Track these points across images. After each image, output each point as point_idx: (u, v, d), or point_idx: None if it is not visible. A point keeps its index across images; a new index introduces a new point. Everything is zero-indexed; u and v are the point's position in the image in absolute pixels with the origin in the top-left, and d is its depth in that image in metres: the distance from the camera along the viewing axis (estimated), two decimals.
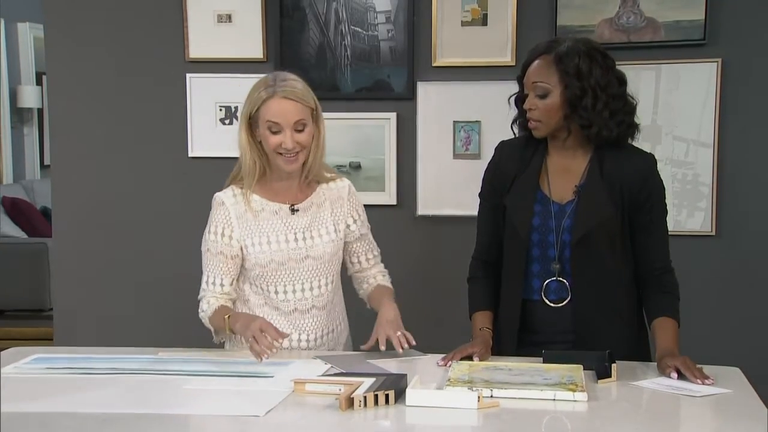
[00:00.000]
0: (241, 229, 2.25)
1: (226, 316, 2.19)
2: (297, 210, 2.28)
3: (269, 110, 2.18)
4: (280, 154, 2.20)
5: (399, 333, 2.16)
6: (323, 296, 2.30)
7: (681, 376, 1.93)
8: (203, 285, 2.31)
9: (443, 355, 2.09)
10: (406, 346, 2.15)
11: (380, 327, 2.19)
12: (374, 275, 2.41)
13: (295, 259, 2.26)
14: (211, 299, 2.29)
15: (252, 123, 2.23)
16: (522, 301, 2.20)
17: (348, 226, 2.34)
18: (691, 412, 1.78)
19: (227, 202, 2.27)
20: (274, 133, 2.18)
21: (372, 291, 2.39)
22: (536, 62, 2.15)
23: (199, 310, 2.31)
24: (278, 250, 2.25)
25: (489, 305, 2.26)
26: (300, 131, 2.19)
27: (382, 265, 2.45)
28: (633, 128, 2.17)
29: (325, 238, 2.29)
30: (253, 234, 2.25)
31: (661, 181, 2.21)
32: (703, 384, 1.88)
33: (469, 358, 2.07)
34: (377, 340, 2.16)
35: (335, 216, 2.32)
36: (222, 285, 2.28)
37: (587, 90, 2.09)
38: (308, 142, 2.22)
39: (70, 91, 3.42)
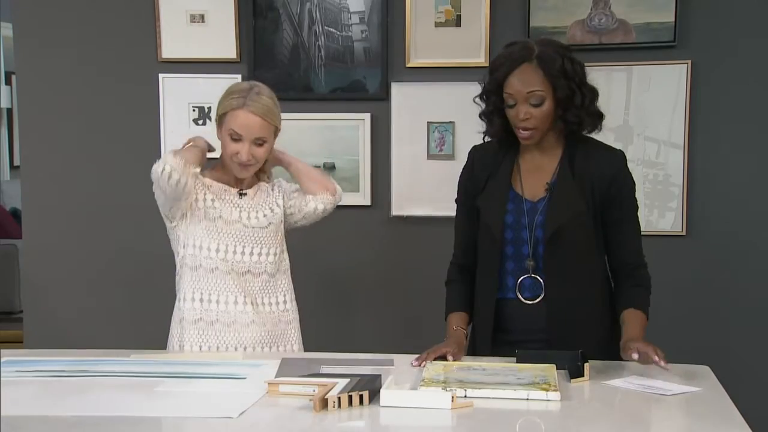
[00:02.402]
0: (196, 188, 2.34)
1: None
2: (245, 194, 2.39)
3: (235, 120, 2.29)
4: (236, 162, 2.32)
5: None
6: (261, 264, 2.36)
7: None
8: None
9: (417, 356, 2.10)
10: None
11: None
12: None
13: (242, 222, 2.35)
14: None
15: (219, 123, 2.35)
16: (497, 299, 2.21)
17: (280, 205, 2.43)
18: (663, 411, 1.80)
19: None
20: (234, 140, 2.29)
21: None
22: (518, 71, 2.12)
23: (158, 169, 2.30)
24: (226, 210, 2.35)
25: (464, 307, 2.27)
26: (259, 146, 2.31)
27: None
28: (601, 117, 2.20)
29: (268, 215, 2.40)
30: (203, 195, 2.35)
31: (631, 176, 2.23)
32: (660, 365, 1.91)
33: (443, 358, 2.08)
34: None
35: (270, 202, 2.42)
36: None
37: (575, 89, 2.12)
38: (263, 157, 2.34)
39: (41, 91, 3.39)
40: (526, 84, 2.11)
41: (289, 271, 2.46)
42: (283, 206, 2.44)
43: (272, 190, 2.45)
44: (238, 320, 2.34)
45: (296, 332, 2.44)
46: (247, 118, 2.27)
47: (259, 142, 2.30)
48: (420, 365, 2.05)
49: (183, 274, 2.39)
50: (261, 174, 2.45)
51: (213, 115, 3.31)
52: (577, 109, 2.13)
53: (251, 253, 2.35)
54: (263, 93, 2.32)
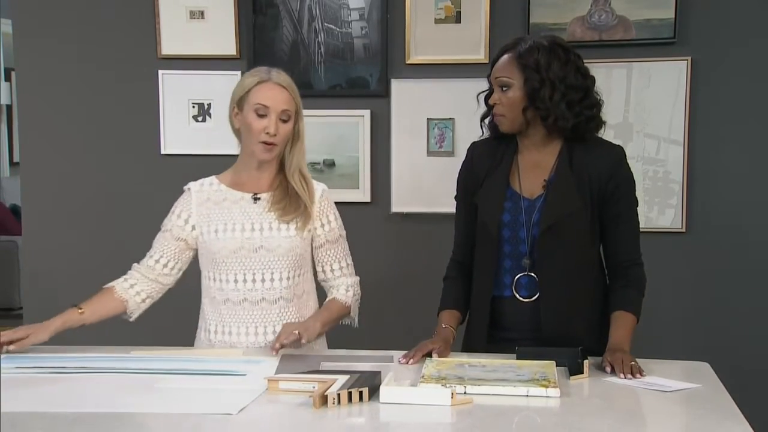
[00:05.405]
0: (199, 216, 2.29)
1: (79, 310, 2.35)
2: (259, 199, 2.29)
3: (260, 93, 2.23)
4: (261, 142, 2.22)
5: (295, 332, 2.12)
6: (275, 290, 2.26)
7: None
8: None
9: (404, 353, 2.09)
10: (277, 346, 2.11)
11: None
12: (338, 287, 2.34)
13: (248, 248, 2.25)
14: (130, 273, 2.35)
15: (237, 108, 2.26)
16: (494, 297, 2.21)
17: (315, 229, 2.30)
18: (662, 407, 1.80)
19: (193, 189, 2.34)
20: (261, 116, 2.22)
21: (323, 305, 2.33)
22: (500, 60, 2.21)
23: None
24: (232, 238, 2.25)
25: (456, 305, 2.27)
26: (284, 121, 2.23)
27: (356, 279, 2.36)
28: (595, 122, 2.19)
29: (284, 232, 2.26)
30: (210, 221, 2.28)
31: (631, 173, 2.22)
32: (620, 377, 1.92)
33: (429, 355, 2.07)
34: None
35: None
36: (155, 261, 2.33)
37: (545, 81, 2.13)
38: (288, 135, 2.25)
39: (41, 88, 3.39)
40: (498, 70, 2.20)
41: (311, 304, 2.34)
42: (309, 231, 2.28)
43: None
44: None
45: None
46: (273, 88, 2.22)
47: (285, 117, 2.22)
48: (407, 362, 2.04)
49: None
50: (292, 176, 2.27)
51: (213, 111, 3.34)
52: (543, 102, 2.13)
53: (252, 280, 2.27)
54: (281, 71, 2.29)
